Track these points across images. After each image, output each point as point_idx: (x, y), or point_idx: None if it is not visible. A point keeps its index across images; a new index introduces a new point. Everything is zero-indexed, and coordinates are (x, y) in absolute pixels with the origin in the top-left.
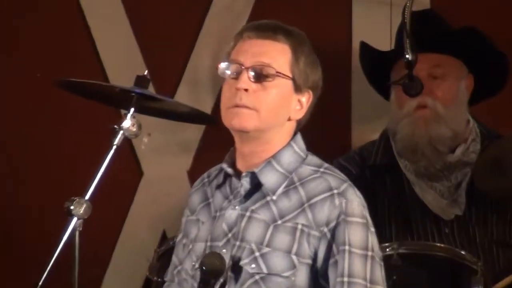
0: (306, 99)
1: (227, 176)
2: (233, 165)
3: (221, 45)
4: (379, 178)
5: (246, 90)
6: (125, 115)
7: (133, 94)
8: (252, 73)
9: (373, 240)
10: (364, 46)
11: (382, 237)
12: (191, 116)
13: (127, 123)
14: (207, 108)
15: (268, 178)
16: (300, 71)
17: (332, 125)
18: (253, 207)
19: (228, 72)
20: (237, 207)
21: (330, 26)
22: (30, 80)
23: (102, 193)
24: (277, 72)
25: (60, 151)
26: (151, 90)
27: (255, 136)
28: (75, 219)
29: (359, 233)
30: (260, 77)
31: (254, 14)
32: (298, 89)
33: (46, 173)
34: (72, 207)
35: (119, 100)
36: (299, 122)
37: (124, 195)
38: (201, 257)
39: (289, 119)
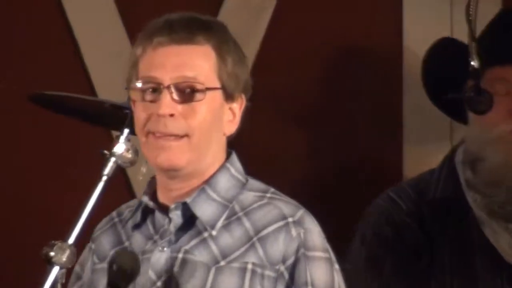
0: (238, 106)
1: (147, 212)
2: (153, 197)
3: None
4: (439, 217)
5: (171, 115)
6: (118, 137)
7: (127, 111)
8: (176, 93)
9: (339, 279)
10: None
11: None
12: None
13: (120, 148)
14: None
15: (204, 210)
16: (229, 75)
17: (380, 147)
18: (186, 247)
19: (141, 94)
20: (165, 249)
21: (374, 26)
22: None
23: (90, 236)
24: (207, 87)
25: (37, 184)
26: None
27: (188, 171)
28: (56, 269)
29: (323, 270)
30: (187, 96)
31: (278, 10)
32: (229, 97)
33: (18, 210)
34: (52, 254)
35: (110, 119)
36: (232, 134)
37: None
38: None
39: (224, 134)
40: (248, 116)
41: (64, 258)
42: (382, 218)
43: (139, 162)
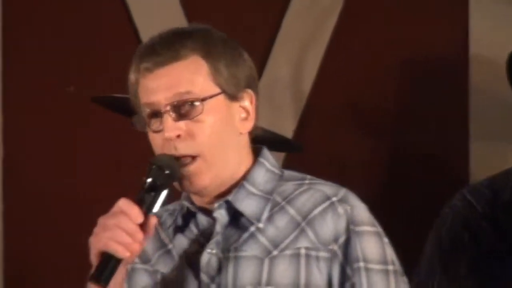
0: (248, 101)
1: (188, 215)
2: (190, 201)
3: (303, 51)
4: None
5: (178, 136)
6: None
7: None
8: (174, 114)
9: (390, 251)
10: None
11: None
12: (267, 141)
13: None
14: (287, 131)
15: (247, 204)
16: (226, 77)
17: (446, 148)
18: (235, 245)
19: (149, 123)
20: (214, 250)
21: (440, 32)
22: (63, 96)
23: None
24: (202, 98)
25: (103, 185)
26: None
27: (216, 185)
28: None
29: (373, 244)
30: (187, 113)
31: (346, 10)
32: (233, 98)
33: (86, 214)
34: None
35: None
36: (253, 130)
37: None
38: None
39: (240, 134)
40: (314, 121)
41: None
42: (458, 221)
43: None
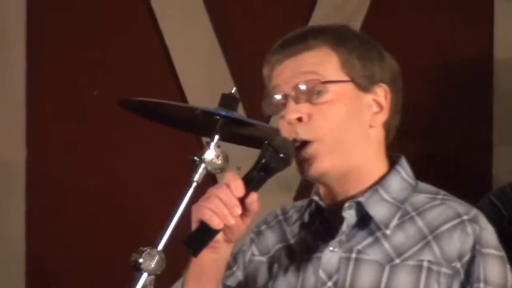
0: (383, 95)
1: (317, 212)
2: (320, 197)
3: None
4: None
5: (299, 119)
6: (208, 143)
7: (217, 117)
8: (297, 96)
9: (510, 275)
10: None
11: None
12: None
13: (210, 154)
14: None
15: (378, 209)
16: (358, 69)
17: (469, 151)
18: (359, 247)
19: (273, 109)
20: (337, 249)
21: (465, 29)
22: (87, 99)
23: (179, 243)
24: (324, 81)
25: (127, 189)
26: (240, 112)
27: (340, 172)
28: (145, 275)
29: (497, 268)
30: (308, 95)
31: (370, 15)
32: (365, 89)
33: (108, 216)
34: (141, 260)
35: (200, 125)
36: (387, 126)
37: None
38: None
39: (371, 127)
40: None
41: (152, 264)
42: None
43: (229, 169)
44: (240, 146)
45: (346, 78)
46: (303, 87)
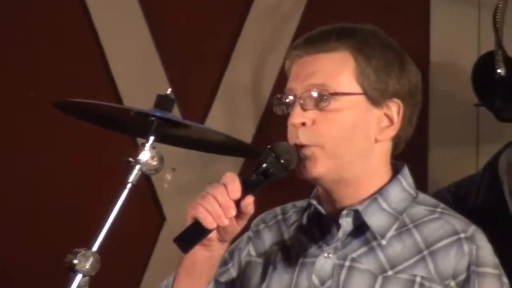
0: (395, 110)
1: (313, 216)
2: (319, 202)
3: (263, 56)
4: (479, 227)
5: (303, 124)
6: (143, 145)
7: (152, 118)
8: (304, 102)
9: None
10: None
11: None
12: (227, 146)
13: (145, 155)
14: (247, 136)
15: (375, 219)
16: (373, 81)
17: (405, 152)
18: (353, 255)
19: (283, 108)
20: (331, 255)
21: (402, 31)
22: (21, 101)
23: (113, 244)
24: (331, 93)
25: (62, 191)
26: (175, 113)
27: (332, 179)
28: (79, 276)
29: (493, 287)
30: (317, 101)
31: (306, 16)
32: (376, 102)
33: (43, 217)
34: (75, 261)
35: (135, 126)
36: (396, 139)
37: (142, 246)
38: None
39: (376, 141)
40: (273, 126)
41: (87, 265)
42: None
43: (164, 170)
44: (175, 147)
45: (358, 89)
46: (314, 93)
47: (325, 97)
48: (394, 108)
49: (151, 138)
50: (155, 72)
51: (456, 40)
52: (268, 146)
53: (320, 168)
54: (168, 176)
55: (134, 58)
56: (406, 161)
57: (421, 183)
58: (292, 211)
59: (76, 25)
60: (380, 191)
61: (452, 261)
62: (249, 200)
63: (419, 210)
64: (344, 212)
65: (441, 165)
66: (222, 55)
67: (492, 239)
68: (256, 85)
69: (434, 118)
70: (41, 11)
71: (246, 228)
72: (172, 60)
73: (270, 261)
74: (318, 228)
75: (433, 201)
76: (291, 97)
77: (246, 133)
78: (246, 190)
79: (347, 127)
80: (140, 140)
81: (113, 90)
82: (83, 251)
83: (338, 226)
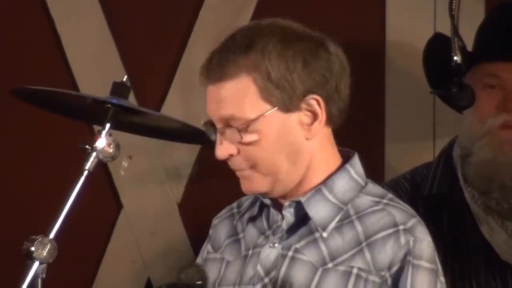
0: (315, 103)
1: (263, 206)
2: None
3: (220, 41)
4: (434, 213)
5: (231, 155)
6: (99, 132)
7: (108, 105)
8: (223, 137)
9: None
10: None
11: None
12: (183, 133)
13: (101, 142)
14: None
15: (317, 210)
16: (278, 92)
17: (361, 143)
18: (297, 245)
19: (212, 136)
20: (276, 245)
21: (357, 20)
22: None
23: (70, 231)
24: (242, 124)
25: (16, 177)
26: (131, 100)
27: (279, 191)
28: (36, 264)
29: (426, 281)
30: (232, 137)
31: (262, 4)
32: (290, 109)
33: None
34: (32, 249)
35: (91, 114)
36: (330, 120)
37: (99, 233)
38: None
39: (308, 139)
40: None
41: (44, 253)
42: None
43: (121, 157)
44: (131, 135)
45: (267, 106)
46: (228, 130)
47: (238, 131)
48: (313, 102)
49: (107, 125)
50: (111, 59)
51: (412, 21)
52: (182, 284)
53: (259, 187)
54: (125, 163)
55: (90, 45)
56: (362, 148)
57: (377, 170)
58: (247, 203)
59: (32, 13)
60: (325, 181)
61: (388, 252)
62: None
63: (364, 201)
64: (287, 203)
65: (397, 152)
66: (179, 42)
67: (448, 223)
68: None
69: (390, 112)
70: None
71: None
72: (128, 47)
73: (225, 255)
74: (266, 218)
75: (380, 191)
76: (212, 126)
77: (203, 120)
78: None
79: (271, 145)
80: (96, 127)
81: (69, 77)
82: (40, 238)
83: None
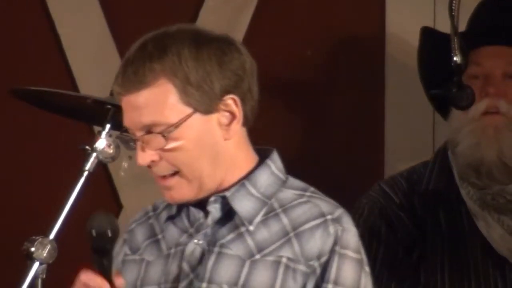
0: (232, 103)
1: (182, 205)
2: None
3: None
4: (431, 209)
5: (153, 161)
6: (99, 133)
7: (108, 106)
8: (144, 145)
9: (366, 281)
10: (428, 33)
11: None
12: None
13: (101, 143)
14: None
15: (243, 205)
16: (197, 96)
17: (362, 138)
18: (223, 241)
19: (130, 143)
20: (201, 241)
21: (357, 16)
22: None
23: (70, 232)
24: (164, 130)
25: (18, 179)
26: None
27: (203, 194)
28: (36, 264)
29: (351, 270)
30: (154, 144)
31: (262, 4)
32: (210, 111)
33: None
34: (33, 249)
35: (91, 114)
36: (245, 121)
37: None
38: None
39: (226, 140)
40: None
41: (44, 253)
42: (375, 211)
43: (121, 158)
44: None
45: (188, 110)
46: (149, 137)
47: (160, 136)
48: (231, 102)
49: (108, 126)
50: (111, 60)
51: (412, 21)
52: (90, 230)
53: (186, 194)
54: (125, 164)
55: (91, 46)
56: (361, 147)
57: (377, 170)
58: (163, 205)
59: (32, 13)
60: (248, 176)
61: (317, 242)
62: (120, 282)
63: (288, 195)
64: (212, 198)
65: (397, 151)
66: None
67: (445, 220)
68: None
69: (390, 102)
70: None
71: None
72: (128, 47)
73: (144, 256)
74: (187, 216)
75: (302, 185)
76: (129, 135)
77: None
78: (106, 275)
79: (194, 148)
80: (96, 128)
81: (69, 78)
82: (40, 239)
83: (207, 213)
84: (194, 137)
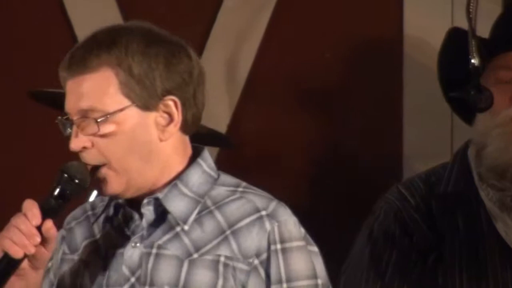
0: (172, 105)
1: (119, 206)
2: None
3: (238, 44)
4: (449, 211)
5: (84, 147)
6: None
7: None
8: (79, 129)
9: (317, 262)
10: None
11: None
12: (200, 136)
13: None
14: (221, 126)
15: (176, 205)
16: (138, 90)
17: (380, 134)
18: (159, 242)
19: (67, 129)
20: (138, 244)
21: (375, 18)
22: None
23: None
24: (100, 116)
25: (34, 178)
26: None
27: (132, 191)
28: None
29: (302, 260)
30: (89, 129)
31: (280, 5)
32: (148, 108)
33: (16, 207)
34: None
35: None
36: (185, 127)
37: None
38: None
39: (161, 141)
40: (248, 115)
41: None
42: (391, 214)
43: None
44: None
45: (126, 102)
46: (85, 121)
47: (95, 122)
48: (171, 103)
49: None
50: None
51: (430, 22)
52: (60, 168)
53: (115, 188)
54: None
55: None
56: (379, 148)
57: (395, 171)
58: (101, 204)
59: (50, 15)
60: (179, 176)
61: (254, 239)
62: (49, 225)
63: (220, 192)
64: (145, 201)
65: (415, 153)
66: (196, 44)
67: (463, 221)
68: (230, 74)
69: (408, 105)
70: (15, 2)
71: None
72: None
73: (83, 258)
74: (124, 218)
75: (234, 181)
76: (68, 120)
77: (220, 122)
78: (48, 215)
79: (126, 141)
80: None
81: None
82: None
83: (142, 215)
84: (127, 129)
